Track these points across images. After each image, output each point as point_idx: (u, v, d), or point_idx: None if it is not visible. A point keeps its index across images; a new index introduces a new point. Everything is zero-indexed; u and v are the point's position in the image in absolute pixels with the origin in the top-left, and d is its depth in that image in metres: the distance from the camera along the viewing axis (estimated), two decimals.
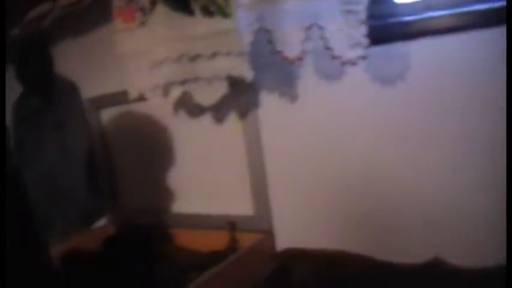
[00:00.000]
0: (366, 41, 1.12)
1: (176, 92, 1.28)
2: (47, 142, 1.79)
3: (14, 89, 1.85)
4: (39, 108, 1.81)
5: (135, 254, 1.53)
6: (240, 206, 1.48)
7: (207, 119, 1.50)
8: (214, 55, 1.21)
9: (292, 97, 1.34)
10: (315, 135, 1.34)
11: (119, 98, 1.58)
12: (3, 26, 0.75)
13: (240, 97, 1.38)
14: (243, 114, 1.42)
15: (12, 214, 0.96)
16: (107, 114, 1.77)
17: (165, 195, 1.65)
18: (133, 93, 1.36)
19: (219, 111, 1.46)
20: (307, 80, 1.31)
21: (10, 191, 0.98)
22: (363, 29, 1.12)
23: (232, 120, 1.46)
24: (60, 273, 1.11)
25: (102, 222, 1.83)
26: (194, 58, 1.22)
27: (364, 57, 1.12)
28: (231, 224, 1.45)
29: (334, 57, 1.14)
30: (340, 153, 1.31)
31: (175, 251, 1.55)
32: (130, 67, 1.35)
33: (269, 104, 1.39)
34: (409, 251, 1.23)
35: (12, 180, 1.01)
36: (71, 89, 1.78)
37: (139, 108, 1.62)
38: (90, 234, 1.77)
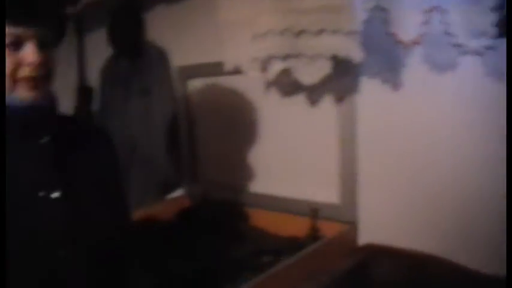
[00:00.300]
0: (493, 31, 1.02)
1: (276, 68, 1.22)
2: (132, 106, 1.81)
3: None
4: (127, 72, 1.82)
5: (209, 229, 1.51)
6: (325, 193, 1.41)
7: (300, 99, 1.44)
8: (320, 32, 1.15)
9: (396, 85, 1.26)
10: (416, 129, 1.26)
11: (210, 69, 1.55)
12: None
13: (339, 79, 1.30)
14: (340, 98, 1.35)
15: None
16: (195, 85, 1.74)
17: (245, 172, 1.61)
18: (229, 65, 1.32)
19: (315, 91, 1.39)
20: (415, 68, 1.22)
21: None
22: (492, 17, 1.02)
23: (328, 103, 1.39)
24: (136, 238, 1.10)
25: (178, 193, 1.83)
26: (299, 33, 1.16)
27: (491, 48, 1.03)
28: (313, 211, 1.39)
29: (455, 45, 1.06)
30: (442, 152, 1.23)
31: (250, 231, 1.51)
32: (230, 38, 1.31)
33: (369, 89, 1.31)
34: (501, 262, 1.13)
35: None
36: (161, 56, 1.78)
37: (229, 81, 1.57)
38: (166, 204, 1.78)
